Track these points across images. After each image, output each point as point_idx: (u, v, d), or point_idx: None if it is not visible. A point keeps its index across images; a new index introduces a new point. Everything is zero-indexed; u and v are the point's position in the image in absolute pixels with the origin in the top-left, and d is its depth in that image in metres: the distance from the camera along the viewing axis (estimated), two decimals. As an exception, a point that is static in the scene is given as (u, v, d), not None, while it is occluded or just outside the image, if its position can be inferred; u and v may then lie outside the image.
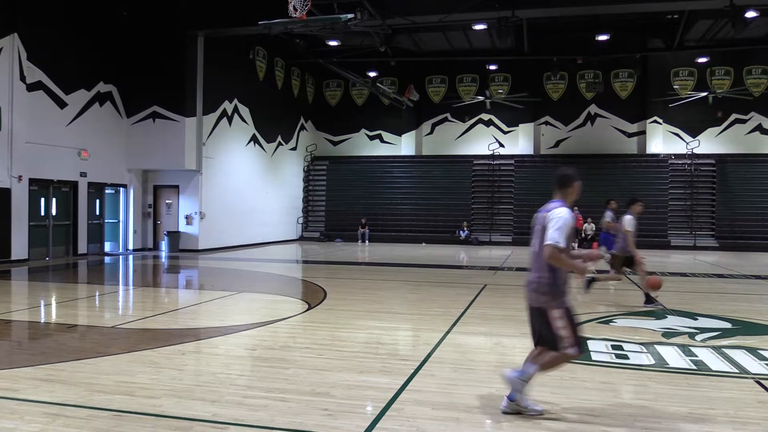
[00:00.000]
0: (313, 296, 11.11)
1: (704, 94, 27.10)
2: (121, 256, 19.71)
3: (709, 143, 27.48)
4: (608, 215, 12.63)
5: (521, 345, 7.50)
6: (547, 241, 4.53)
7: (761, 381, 5.71)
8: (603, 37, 24.41)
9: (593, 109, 28.74)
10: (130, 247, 21.22)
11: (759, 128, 27.15)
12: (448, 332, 7.81)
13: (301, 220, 29.67)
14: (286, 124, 28.35)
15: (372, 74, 28.27)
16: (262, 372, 6.00)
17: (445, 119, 30.39)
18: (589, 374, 5.99)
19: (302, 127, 30.11)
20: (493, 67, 29.08)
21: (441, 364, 6.26)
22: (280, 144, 27.44)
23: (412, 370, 5.97)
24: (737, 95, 26.92)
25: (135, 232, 21.39)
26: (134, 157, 20.78)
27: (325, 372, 5.91)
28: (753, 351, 6.87)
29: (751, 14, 18.66)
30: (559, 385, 5.57)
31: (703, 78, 27.73)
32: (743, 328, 8.37)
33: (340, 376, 5.77)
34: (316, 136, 31.52)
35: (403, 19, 19.41)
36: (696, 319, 8.83)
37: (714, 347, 7.03)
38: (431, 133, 30.65)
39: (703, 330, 8.03)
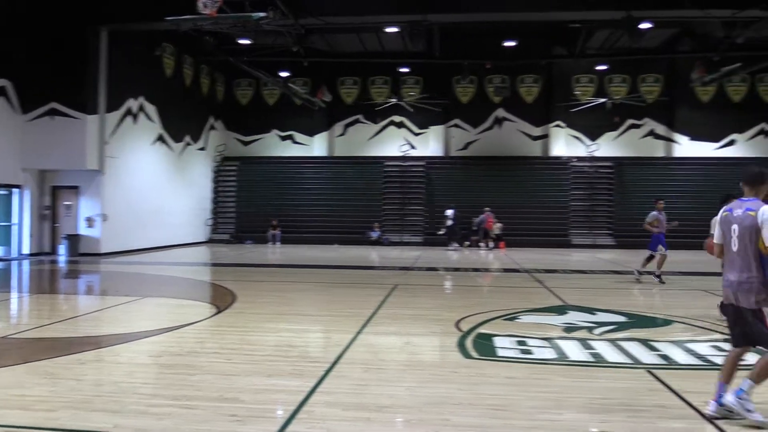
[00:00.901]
0: (221, 299, 10.86)
1: (603, 100, 28.51)
2: (13, 262, 18.57)
3: (607, 147, 28.93)
4: (652, 215, 14.38)
5: (431, 344, 7.66)
6: None
7: (652, 371, 6.07)
8: (510, 44, 25.23)
9: (500, 112, 29.64)
10: (25, 251, 20.01)
11: (652, 133, 28.85)
12: (359, 333, 7.84)
13: (209, 222, 28.95)
14: (195, 123, 27.58)
15: (284, 74, 27.97)
16: (167, 379, 5.81)
17: (358, 120, 30.51)
18: (495, 370, 6.18)
19: (212, 127, 29.38)
20: (405, 70, 29.44)
21: (352, 365, 6.28)
22: (188, 144, 26.64)
23: (323, 372, 5.95)
24: (632, 102, 28.51)
25: (31, 235, 20.18)
26: (30, 156, 19.58)
27: (234, 377, 5.80)
28: (645, 342, 7.29)
29: (645, 26, 19.79)
30: (467, 381, 5.71)
31: (602, 85, 29.18)
32: (637, 321, 8.87)
33: (249, 381, 5.67)
34: (226, 136, 30.84)
35: (316, 19, 19.33)
36: (594, 314, 9.28)
37: (610, 340, 7.41)
38: (343, 134, 30.70)
39: (600, 324, 8.45)
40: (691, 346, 7.21)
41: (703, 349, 7.06)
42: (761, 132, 28.17)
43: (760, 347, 4.64)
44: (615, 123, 28.90)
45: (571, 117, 29.04)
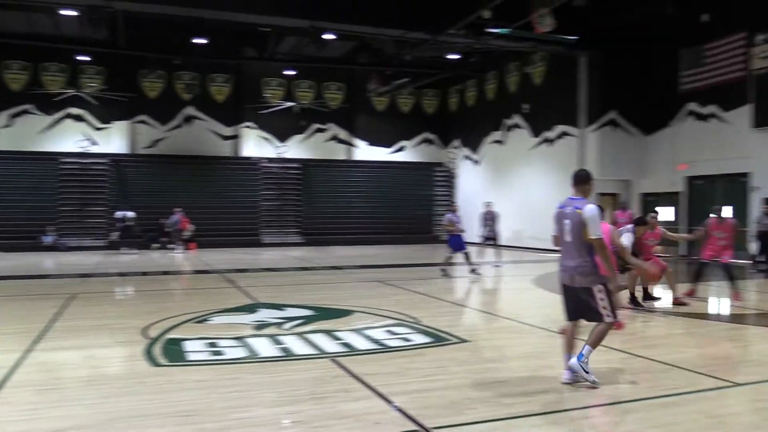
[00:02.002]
0: None
1: (291, 104, 29.71)
2: None
3: (295, 149, 30.23)
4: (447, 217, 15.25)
5: (116, 355, 7.16)
6: (593, 236, 5.37)
7: (336, 359, 6.54)
8: (201, 41, 24.73)
9: (190, 110, 28.89)
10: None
11: (335, 137, 30.96)
12: (28, 351, 6.95)
13: None
14: None
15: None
16: None
17: (27, 111, 26.94)
18: (186, 375, 6.04)
19: None
20: (85, 58, 26.82)
21: (20, 389, 5.54)
22: None
23: (-18, 400, 5.16)
24: (318, 107, 30.27)
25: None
26: None
27: None
28: (329, 333, 7.82)
29: (328, 36, 21.14)
30: (156, 390, 5.48)
31: (290, 89, 30.35)
32: (323, 313, 9.46)
33: None
34: None
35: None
36: (283, 310, 9.64)
37: (298, 334, 7.78)
38: (9, 125, 26.81)
39: (289, 319, 8.82)
40: (368, 332, 7.94)
41: (378, 334, 7.83)
42: (424, 139, 32.18)
43: (590, 320, 5.62)
44: (302, 126, 30.30)
45: (262, 119, 29.63)
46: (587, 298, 5.51)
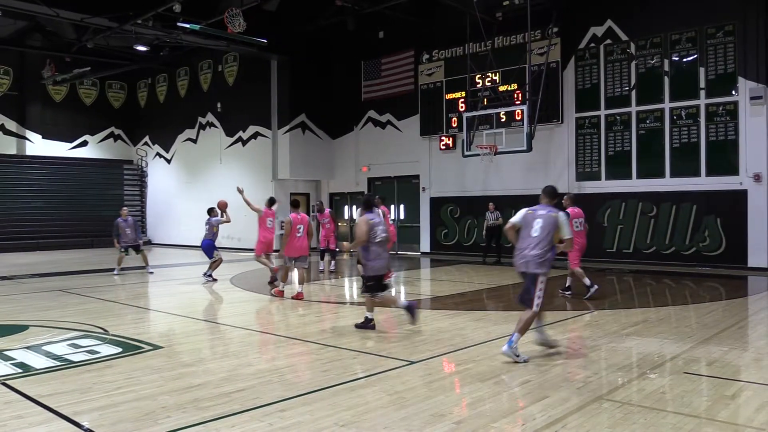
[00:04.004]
0: None
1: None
2: None
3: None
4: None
5: None
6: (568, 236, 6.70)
7: (6, 382, 5.74)
8: None
9: None
10: None
11: (2, 128, 26.96)
12: None
13: None
14: None
15: None
16: None
17: None
18: None
19: None
20: None
21: None
22: None
23: None
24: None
25: None
26: None
27: None
28: (-1, 354, 6.86)
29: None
30: None
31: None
32: (-11, 332, 8.23)
33: None
34: None
35: None
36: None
37: (-43, 358, 6.66)
38: None
39: (-56, 342, 7.49)
40: (48, 348, 7.15)
41: (59, 349, 7.10)
42: (111, 135, 29.91)
43: (526, 305, 6.52)
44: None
45: None
46: (530, 287, 6.53)
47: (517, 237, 6.75)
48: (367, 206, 8.27)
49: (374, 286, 8.11)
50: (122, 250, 15.60)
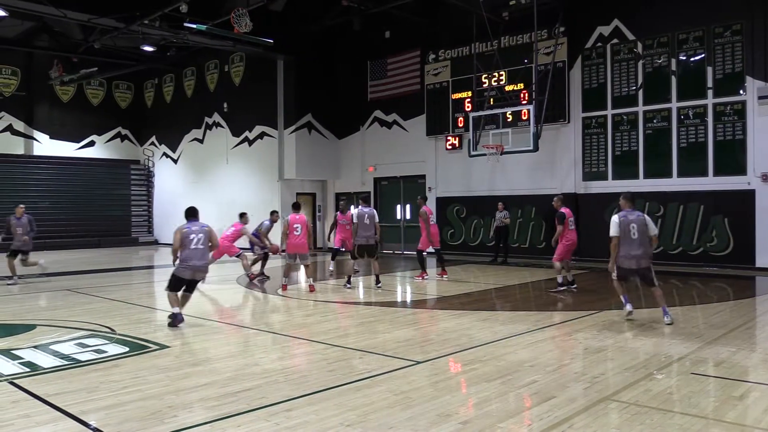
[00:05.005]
0: None
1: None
2: None
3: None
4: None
5: None
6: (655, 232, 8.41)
7: (14, 381, 5.78)
8: None
9: None
10: None
11: (10, 129, 27.11)
12: None
13: None
14: None
15: None
16: None
17: None
18: None
19: None
20: None
21: None
22: None
23: None
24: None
25: None
26: None
27: None
28: (6, 352, 6.88)
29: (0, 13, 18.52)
30: None
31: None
32: (-3, 331, 8.28)
33: None
34: None
35: None
36: (-55, 331, 8.21)
37: (-35, 357, 6.70)
38: None
39: (-48, 341, 7.54)
40: (55, 347, 7.18)
41: (67, 348, 7.13)
42: (117, 135, 30.02)
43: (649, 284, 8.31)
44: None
45: None
46: (648, 273, 8.25)
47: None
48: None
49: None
50: (9, 253, 13.91)
